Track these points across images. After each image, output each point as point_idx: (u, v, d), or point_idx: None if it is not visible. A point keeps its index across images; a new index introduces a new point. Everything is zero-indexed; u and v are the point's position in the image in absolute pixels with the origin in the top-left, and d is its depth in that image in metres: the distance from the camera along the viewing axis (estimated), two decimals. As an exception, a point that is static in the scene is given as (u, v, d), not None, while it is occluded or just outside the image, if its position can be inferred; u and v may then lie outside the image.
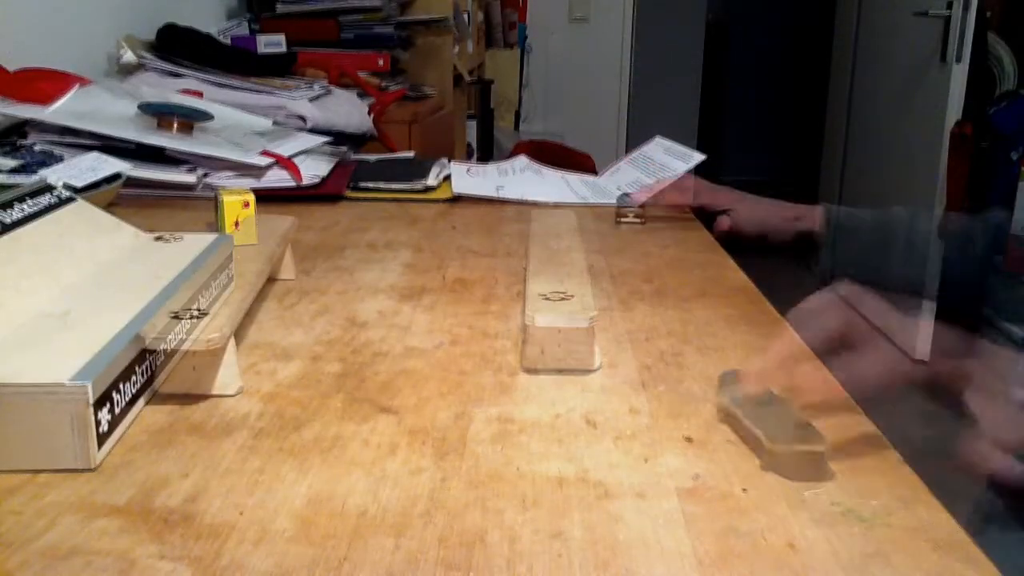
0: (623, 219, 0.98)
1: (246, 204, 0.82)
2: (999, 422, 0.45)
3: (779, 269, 0.83)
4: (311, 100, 1.40)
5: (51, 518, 0.39)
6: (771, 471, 0.44)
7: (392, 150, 1.61)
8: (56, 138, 1.04)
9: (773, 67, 5.61)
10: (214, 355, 0.50)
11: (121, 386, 0.46)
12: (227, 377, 0.51)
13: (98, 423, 0.43)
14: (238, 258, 0.61)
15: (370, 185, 1.10)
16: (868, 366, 0.46)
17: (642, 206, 0.98)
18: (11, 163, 0.92)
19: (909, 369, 0.47)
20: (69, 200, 0.66)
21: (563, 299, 0.56)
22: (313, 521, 0.39)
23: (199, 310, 0.50)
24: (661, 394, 0.53)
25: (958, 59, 2.75)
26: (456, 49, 2.37)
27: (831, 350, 0.47)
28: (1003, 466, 0.44)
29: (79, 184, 0.88)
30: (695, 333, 0.64)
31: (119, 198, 0.96)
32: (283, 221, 0.72)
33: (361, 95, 1.70)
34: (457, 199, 1.09)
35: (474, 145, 2.79)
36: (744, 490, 0.42)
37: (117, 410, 0.46)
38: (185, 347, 0.48)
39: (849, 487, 0.43)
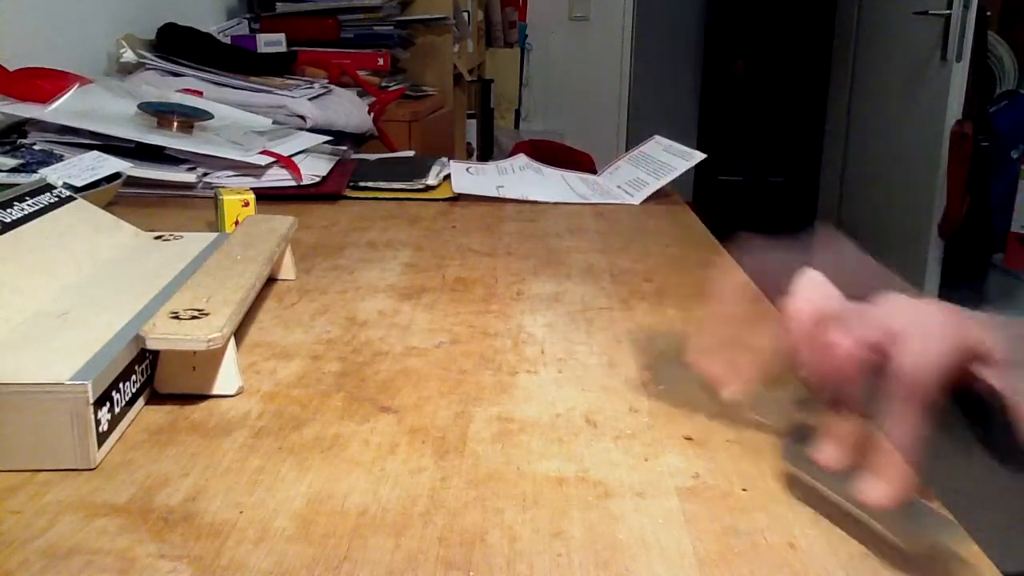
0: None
1: (246, 203, 0.83)
2: None
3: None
4: (311, 99, 1.40)
5: (51, 517, 0.39)
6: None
7: (392, 149, 1.61)
8: (56, 137, 1.04)
9: (773, 67, 5.60)
10: (214, 355, 0.50)
11: (121, 385, 0.46)
12: (227, 377, 0.51)
13: (98, 422, 0.43)
14: (238, 258, 0.61)
15: (370, 184, 1.10)
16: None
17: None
18: (11, 162, 0.92)
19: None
20: (69, 199, 0.66)
21: (195, 317, 0.49)
22: (313, 520, 0.39)
23: (199, 310, 0.50)
24: (661, 394, 0.53)
25: (958, 58, 2.75)
26: (456, 48, 2.37)
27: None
28: None
29: (79, 183, 0.88)
30: (695, 332, 0.64)
31: (118, 197, 0.96)
32: (283, 220, 0.72)
33: (361, 94, 1.70)
34: (457, 198, 1.09)
35: (474, 144, 2.79)
36: (744, 490, 0.42)
37: (117, 409, 0.46)
38: (185, 347, 0.47)
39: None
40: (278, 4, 1.96)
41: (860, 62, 3.52)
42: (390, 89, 1.92)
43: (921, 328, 0.36)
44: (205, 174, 1.06)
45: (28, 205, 0.61)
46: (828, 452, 0.38)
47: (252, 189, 0.85)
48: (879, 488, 0.36)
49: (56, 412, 0.42)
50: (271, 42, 1.78)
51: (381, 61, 1.95)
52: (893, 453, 0.36)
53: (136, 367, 0.48)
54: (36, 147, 0.99)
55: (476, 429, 0.48)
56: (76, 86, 1.12)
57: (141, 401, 0.49)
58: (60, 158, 0.95)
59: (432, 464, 0.44)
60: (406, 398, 0.52)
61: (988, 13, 2.80)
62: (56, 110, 1.06)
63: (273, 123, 1.29)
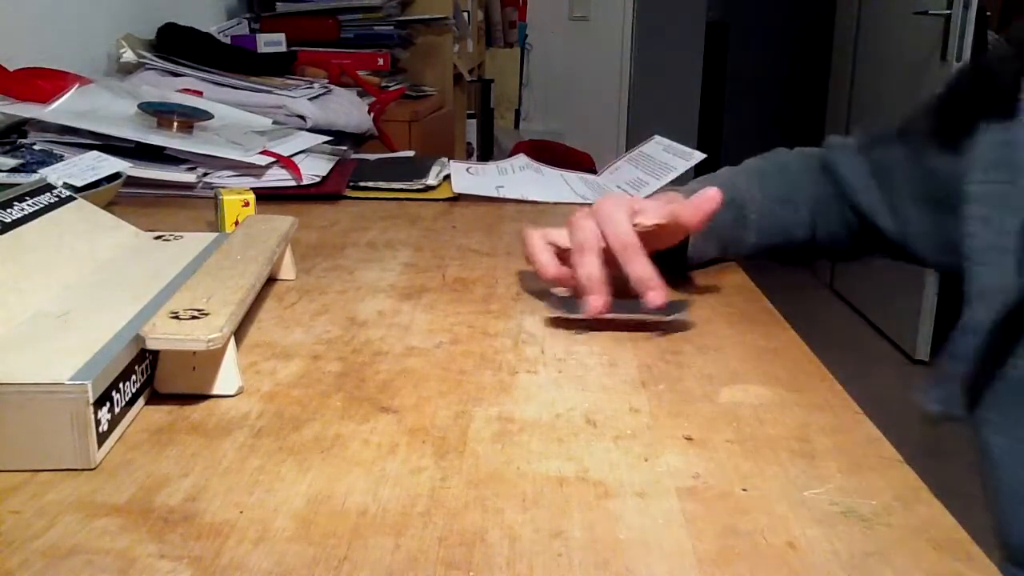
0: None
1: (246, 203, 0.83)
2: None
3: (778, 268, 0.82)
4: (311, 99, 1.40)
5: (51, 517, 0.39)
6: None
7: (392, 149, 1.61)
8: (56, 137, 1.04)
9: (773, 67, 5.61)
10: (214, 355, 0.50)
11: (121, 385, 0.46)
12: (227, 377, 0.51)
13: (98, 422, 0.43)
14: (238, 258, 0.61)
15: (370, 184, 1.10)
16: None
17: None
18: (11, 162, 0.92)
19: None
20: (69, 199, 0.66)
21: (195, 317, 0.49)
22: (313, 520, 0.39)
23: (199, 310, 0.50)
24: (661, 393, 0.53)
25: (958, 58, 2.75)
26: (456, 48, 2.37)
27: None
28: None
29: (79, 183, 0.88)
30: (695, 332, 0.64)
31: (118, 197, 0.96)
32: (283, 220, 0.72)
33: (361, 94, 1.70)
34: (457, 198, 1.09)
35: (474, 144, 2.79)
36: (744, 490, 0.42)
37: (117, 409, 0.46)
38: (185, 347, 0.47)
39: (849, 487, 0.43)
40: (278, 4, 1.96)
41: (860, 62, 3.52)
42: (390, 89, 1.92)
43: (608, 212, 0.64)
44: (205, 174, 1.06)
45: (28, 205, 0.61)
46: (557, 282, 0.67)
47: (252, 189, 0.85)
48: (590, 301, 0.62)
49: (56, 412, 0.42)
50: (271, 42, 1.78)
51: (381, 61, 1.95)
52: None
53: (136, 367, 0.48)
54: (36, 147, 0.99)
55: (476, 429, 0.48)
56: (76, 86, 1.12)
57: (141, 401, 0.49)
58: (60, 158, 0.95)
59: (432, 464, 0.44)
60: (406, 398, 0.52)
61: (988, 13, 2.80)
62: (56, 110, 1.06)
63: (273, 123, 1.29)
